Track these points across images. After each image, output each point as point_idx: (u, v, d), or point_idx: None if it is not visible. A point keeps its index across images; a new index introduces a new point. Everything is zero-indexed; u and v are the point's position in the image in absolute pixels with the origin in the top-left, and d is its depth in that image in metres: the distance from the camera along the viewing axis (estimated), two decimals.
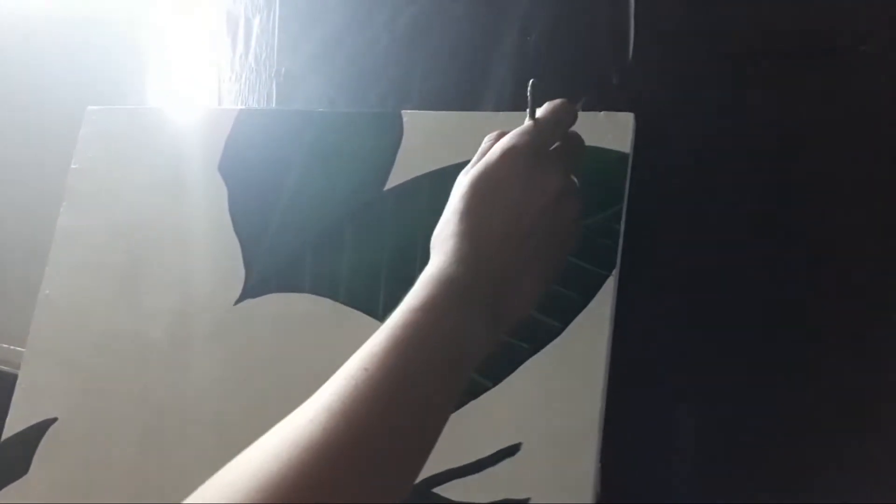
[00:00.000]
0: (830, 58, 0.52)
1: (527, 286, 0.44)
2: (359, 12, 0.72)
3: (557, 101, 0.49)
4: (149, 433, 0.66)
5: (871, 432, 0.51)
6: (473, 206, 0.44)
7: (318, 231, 0.64)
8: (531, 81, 0.47)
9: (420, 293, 0.40)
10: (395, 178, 0.62)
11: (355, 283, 0.61)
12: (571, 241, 0.48)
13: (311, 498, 0.31)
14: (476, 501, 0.53)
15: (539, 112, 0.48)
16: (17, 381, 0.72)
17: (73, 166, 0.76)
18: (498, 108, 0.63)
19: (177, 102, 0.87)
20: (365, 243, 0.62)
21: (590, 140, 0.54)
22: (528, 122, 0.48)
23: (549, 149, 0.48)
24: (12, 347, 0.97)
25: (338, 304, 0.61)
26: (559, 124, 0.48)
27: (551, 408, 0.52)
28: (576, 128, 0.51)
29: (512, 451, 0.52)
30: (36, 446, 0.69)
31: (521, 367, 0.53)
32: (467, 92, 0.66)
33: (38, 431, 0.70)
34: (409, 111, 0.63)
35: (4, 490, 0.69)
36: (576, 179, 0.49)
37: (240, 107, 0.80)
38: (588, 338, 0.52)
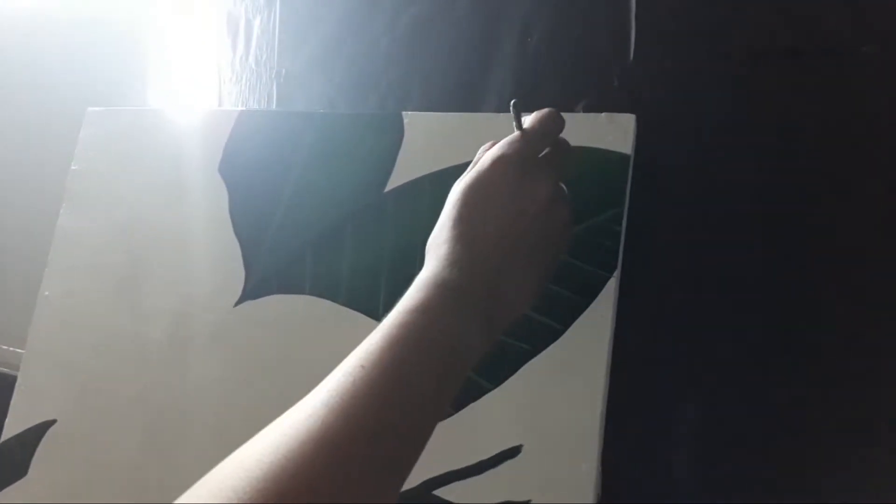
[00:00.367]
0: (831, 58, 0.52)
1: (519, 290, 0.45)
2: (359, 14, 0.72)
3: (545, 111, 0.50)
4: (148, 435, 0.65)
5: (872, 432, 0.51)
6: (466, 213, 0.45)
7: (318, 232, 0.64)
8: (512, 102, 0.49)
9: (415, 296, 0.41)
10: (396, 180, 0.62)
11: (355, 284, 0.61)
12: (562, 246, 0.49)
13: (308, 489, 0.32)
14: (477, 503, 0.53)
15: (527, 121, 0.49)
16: (17, 383, 0.72)
17: (73, 167, 0.76)
18: (499, 110, 0.63)
19: (177, 104, 0.87)
20: (365, 245, 0.62)
21: (591, 141, 0.54)
22: (516, 133, 0.49)
23: (539, 156, 0.49)
24: (11, 349, 0.97)
25: (338, 306, 0.61)
26: (547, 133, 0.49)
27: (552, 409, 0.52)
28: (577, 130, 0.51)
29: (513, 452, 0.52)
30: (35, 448, 0.69)
31: (523, 369, 0.53)
32: (468, 93, 0.66)
33: (37, 433, 0.69)
34: (409, 112, 0.63)
35: (3, 492, 0.69)
36: (564, 187, 0.50)
37: (240, 108, 0.80)
38: (589, 339, 0.52)
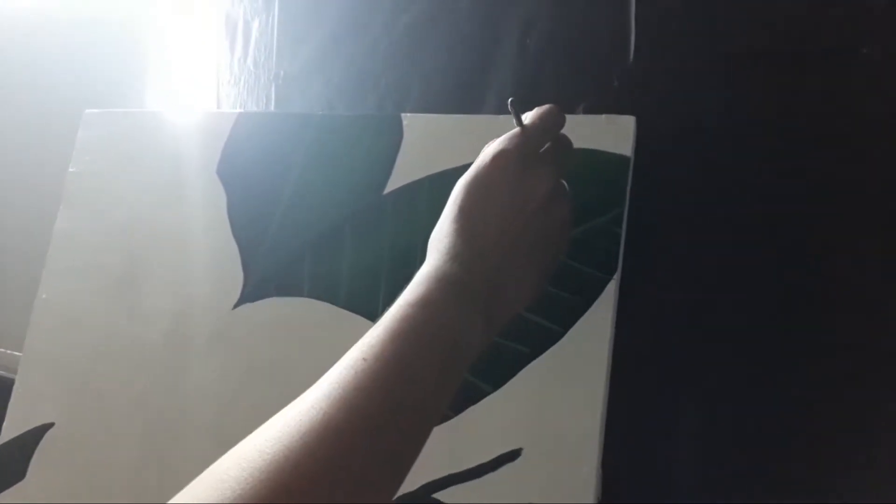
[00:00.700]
0: (831, 60, 0.52)
1: (518, 287, 0.45)
2: (358, 15, 0.72)
3: (545, 107, 0.50)
4: (146, 437, 0.65)
5: (872, 432, 0.51)
6: (467, 208, 0.45)
7: (316, 234, 0.64)
8: (510, 100, 0.49)
9: (416, 290, 0.41)
10: (395, 182, 0.62)
11: (354, 286, 0.61)
12: (562, 242, 0.49)
13: (309, 481, 0.32)
14: None
15: (527, 118, 0.49)
16: (14, 386, 0.72)
17: (70, 169, 0.76)
18: (498, 112, 0.62)
19: (175, 105, 0.87)
20: (364, 247, 0.62)
21: (591, 143, 0.54)
22: (517, 129, 0.49)
23: (539, 152, 0.49)
24: (9, 352, 0.97)
25: (337, 308, 0.61)
26: (547, 129, 0.49)
27: (552, 413, 0.52)
28: (577, 132, 0.51)
29: (513, 456, 0.52)
30: (33, 451, 0.69)
31: (522, 372, 0.53)
32: (467, 95, 0.66)
33: (35, 436, 0.69)
34: (408, 114, 0.63)
35: (2, 495, 0.68)
36: (566, 184, 0.50)
37: (238, 110, 0.80)
38: (589, 342, 0.52)
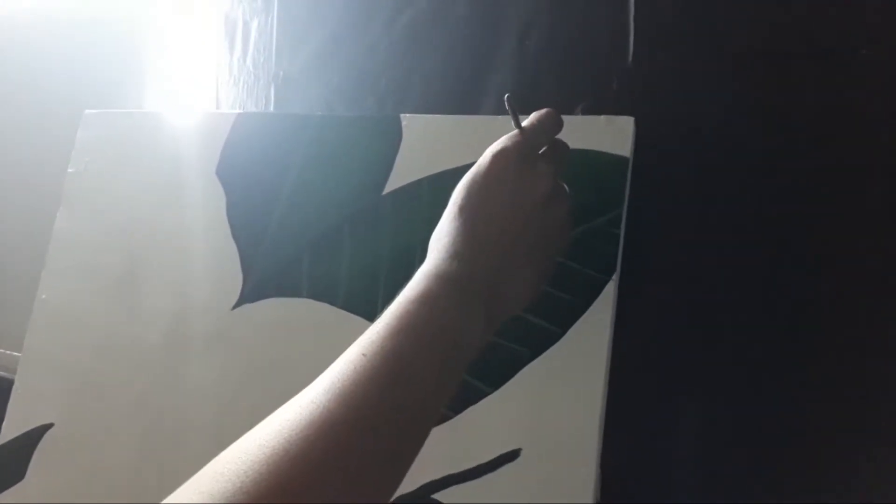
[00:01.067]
0: (830, 60, 0.52)
1: (519, 286, 0.46)
2: (357, 16, 0.72)
3: (543, 111, 0.50)
4: (145, 438, 0.65)
5: (872, 432, 0.51)
6: (468, 207, 0.45)
7: (316, 235, 0.64)
8: (506, 96, 0.49)
9: (416, 287, 0.41)
10: (394, 182, 0.62)
11: (353, 287, 0.61)
12: (562, 242, 0.49)
13: (308, 475, 0.32)
14: None
15: (526, 120, 0.50)
16: (13, 386, 0.72)
17: (70, 170, 0.76)
18: (497, 112, 0.62)
19: (174, 106, 0.87)
20: (363, 247, 0.62)
21: (590, 144, 0.54)
22: (516, 130, 0.49)
23: (538, 153, 0.50)
24: (8, 352, 0.97)
25: (336, 309, 0.61)
26: (545, 131, 0.50)
27: (551, 413, 0.52)
28: (576, 133, 0.52)
29: (512, 456, 0.52)
30: (32, 452, 0.69)
31: (521, 373, 0.53)
32: (466, 95, 0.66)
33: (34, 437, 0.69)
34: (407, 115, 0.63)
35: (1, 495, 0.68)
36: (566, 186, 0.50)
37: (238, 110, 0.80)
38: (588, 343, 0.52)
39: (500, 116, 0.60)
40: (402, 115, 0.63)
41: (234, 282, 0.66)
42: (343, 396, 0.35)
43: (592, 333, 0.52)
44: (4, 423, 0.71)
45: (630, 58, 0.58)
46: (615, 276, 0.52)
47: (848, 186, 0.52)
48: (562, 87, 0.62)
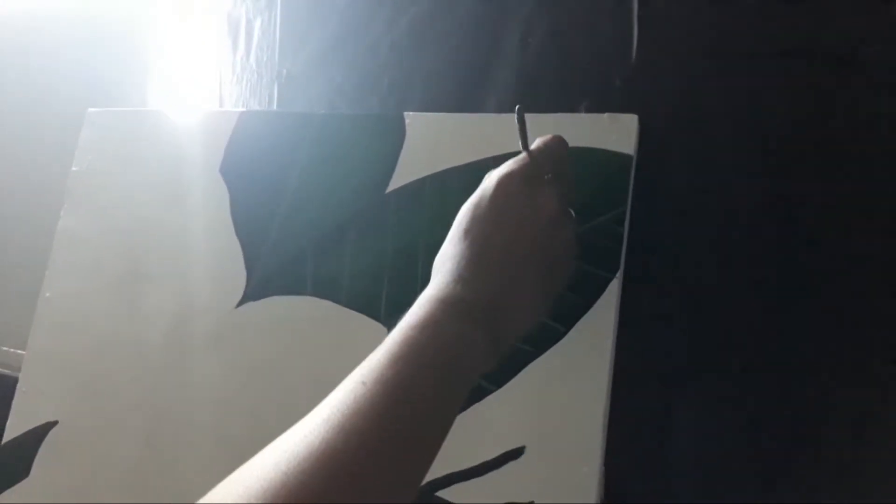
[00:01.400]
0: (833, 60, 0.52)
1: (524, 310, 0.45)
2: (360, 14, 0.72)
3: (549, 137, 0.50)
4: (149, 436, 0.65)
5: (872, 433, 0.51)
6: (471, 230, 0.45)
7: (319, 233, 0.64)
8: (517, 107, 0.48)
9: (418, 311, 0.41)
10: (397, 181, 0.62)
11: (357, 285, 0.61)
12: (567, 266, 0.48)
13: None
14: None
15: (532, 144, 0.49)
16: (18, 385, 0.72)
17: (73, 168, 0.76)
18: (500, 110, 0.62)
19: (178, 104, 0.87)
20: (367, 245, 0.62)
21: (593, 142, 0.54)
22: (522, 154, 0.48)
23: (544, 177, 0.48)
24: (12, 350, 0.97)
25: (339, 307, 0.61)
26: (551, 156, 0.49)
27: (555, 411, 0.52)
28: (579, 130, 0.52)
29: (516, 454, 0.52)
30: (37, 450, 0.69)
31: (525, 371, 0.53)
32: (469, 94, 0.66)
33: (38, 435, 0.69)
34: (411, 113, 0.63)
35: (5, 493, 0.69)
36: (573, 212, 0.49)
37: (241, 109, 0.80)
38: (592, 340, 0.52)
39: (503, 115, 0.60)
40: (405, 114, 0.63)
41: (238, 280, 0.66)
42: (342, 426, 0.34)
43: (596, 331, 0.52)
44: (9, 421, 0.71)
45: (633, 55, 0.58)
46: (619, 274, 0.52)
47: (849, 187, 0.52)
48: (565, 84, 0.61)
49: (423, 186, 0.61)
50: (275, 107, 0.78)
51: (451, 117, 0.62)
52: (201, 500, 0.33)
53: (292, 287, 0.64)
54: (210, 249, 0.68)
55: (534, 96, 0.62)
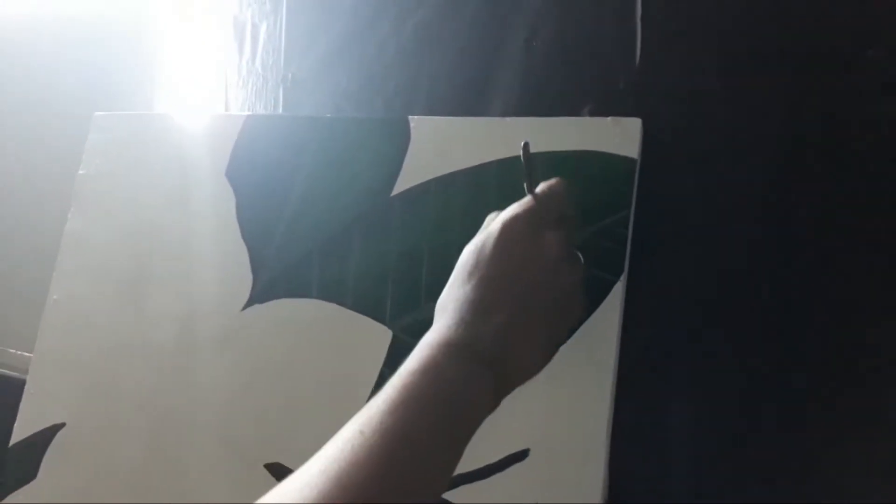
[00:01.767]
0: (837, 61, 0.52)
1: (530, 352, 0.44)
2: (365, 18, 0.72)
3: (554, 180, 0.49)
4: (156, 438, 0.66)
5: (873, 433, 0.51)
6: (475, 273, 0.44)
7: (325, 236, 0.64)
8: (523, 143, 0.48)
9: (418, 356, 0.40)
10: (403, 184, 0.62)
11: (363, 288, 0.61)
12: (575, 307, 0.47)
13: None
14: None
15: (538, 188, 0.49)
16: (25, 387, 0.72)
17: (80, 172, 0.76)
18: (505, 114, 0.63)
19: (184, 108, 0.87)
20: (372, 248, 0.62)
21: (597, 145, 0.55)
22: (527, 197, 0.48)
23: (549, 220, 0.48)
24: (20, 353, 0.98)
25: (345, 309, 0.62)
26: (556, 200, 0.48)
27: (560, 413, 0.52)
28: (583, 134, 0.52)
29: (520, 456, 0.52)
30: (44, 451, 0.69)
31: None
32: (474, 97, 0.66)
33: (45, 437, 0.70)
34: (416, 117, 0.63)
35: (13, 495, 0.69)
36: (581, 255, 0.49)
37: (247, 113, 0.80)
38: (596, 343, 0.52)
39: (508, 118, 0.60)
40: (410, 117, 0.63)
41: (244, 282, 0.66)
42: (338, 478, 0.33)
43: (600, 334, 0.52)
44: (17, 423, 0.72)
45: (637, 59, 0.59)
46: (623, 277, 0.52)
47: (853, 188, 0.52)
48: (569, 87, 0.62)
49: (428, 190, 0.61)
50: (280, 110, 0.78)
51: (455, 121, 0.62)
52: None
53: (298, 290, 0.64)
54: (216, 252, 0.68)
55: (538, 100, 0.62)
